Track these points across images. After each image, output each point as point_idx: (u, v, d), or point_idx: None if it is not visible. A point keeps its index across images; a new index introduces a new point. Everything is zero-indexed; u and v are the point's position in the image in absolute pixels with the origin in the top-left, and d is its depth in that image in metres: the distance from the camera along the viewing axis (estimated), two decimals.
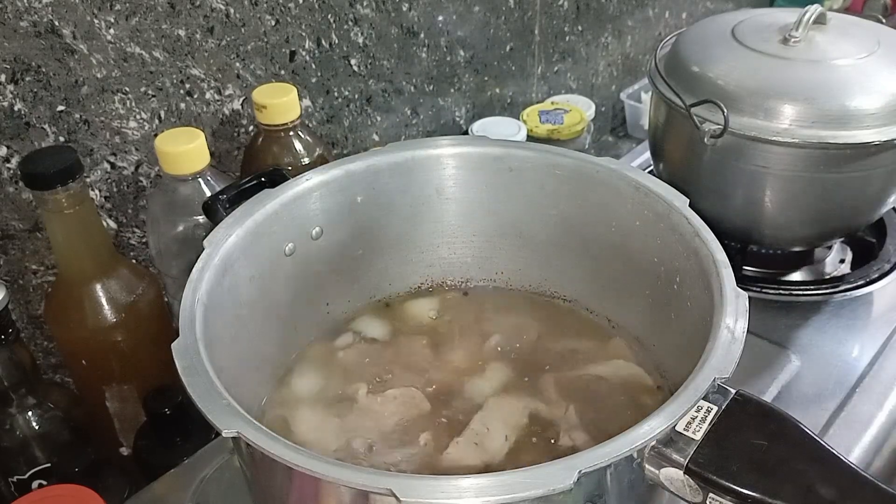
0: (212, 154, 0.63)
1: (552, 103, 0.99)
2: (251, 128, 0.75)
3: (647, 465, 0.39)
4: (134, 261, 0.70)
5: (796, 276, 0.82)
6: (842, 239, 0.84)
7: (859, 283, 0.80)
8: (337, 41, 0.79)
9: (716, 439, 0.39)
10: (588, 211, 0.59)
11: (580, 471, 0.35)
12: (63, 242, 0.59)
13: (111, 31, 0.63)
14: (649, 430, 0.38)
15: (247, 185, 0.57)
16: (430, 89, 0.91)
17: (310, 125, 0.80)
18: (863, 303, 0.78)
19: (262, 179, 0.57)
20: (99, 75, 0.63)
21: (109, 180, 0.67)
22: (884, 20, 0.79)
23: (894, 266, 0.82)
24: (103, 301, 0.60)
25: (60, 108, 0.62)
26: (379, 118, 0.87)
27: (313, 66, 0.78)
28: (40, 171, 0.55)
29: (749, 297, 0.46)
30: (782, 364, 0.70)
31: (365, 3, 0.80)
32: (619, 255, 0.59)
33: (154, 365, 0.61)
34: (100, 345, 0.61)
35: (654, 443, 0.39)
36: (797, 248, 0.82)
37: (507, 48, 0.98)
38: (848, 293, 0.79)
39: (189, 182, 0.62)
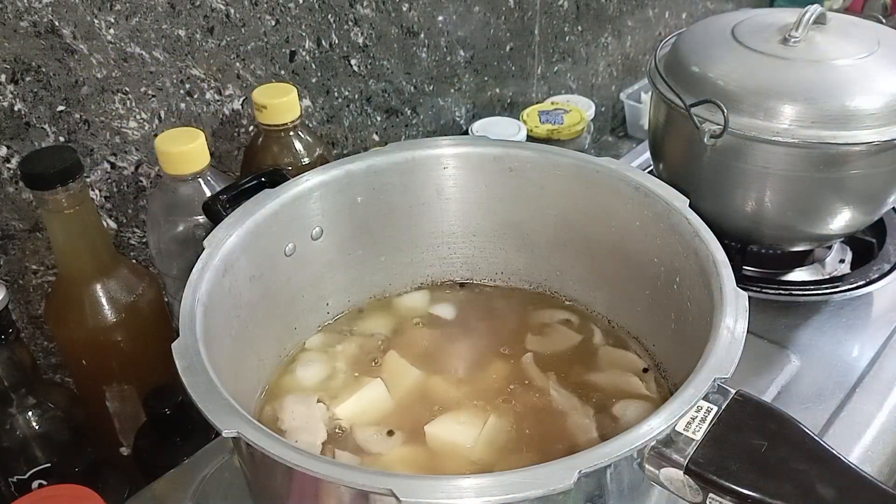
0: (212, 154, 0.63)
1: (552, 103, 0.99)
2: (251, 128, 0.75)
3: (647, 465, 0.39)
4: (134, 261, 0.70)
5: (796, 276, 0.82)
6: (842, 239, 0.84)
7: (859, 283, 0.80)
8: (337, 41, 0.79)
9: (716, 439, 0.39)
10: (588, 211, 0.59)
11: (580, 471, 0.36)
12: (63, 242, 0.59)
13: (111, 31, 0.63)
14: (649, 430, 0.38)
15: (247, 186, 0.57)
16: (430, 89, 0.91)
17: (310, 125, 0.80)
18: (863, 303, 0.78)
19: (262, 179, 0.57)
20: (99, 75, 0.63)
21: (109, 180, 0.67)
22: (884, 20, 0.79)
23: (894, 266, 0.82)
24: (103, 301, 0.60)
25: (60, 108, 0.62)
26: (379, 118, 0.87)
27: (313, 66, 0.78)
28: (40, 171, 0.55)
29: (749, 297, 0.46)
30: (782, 364, 0.70)
31: (365, 3, 0.80)
32: (619, 255, 0.59)
33: (154, 365, 0.61)
34: (100, 345, 0.61)
35: (654, 443, 0.39)
36: (797, 248, 0.82)
37: (507, 48, 0.98)
38: (848, 293, 0.79)
39: (189, 182, 0.62)
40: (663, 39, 0.83)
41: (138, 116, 0.67)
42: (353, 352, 0.60)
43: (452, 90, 0.94)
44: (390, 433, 0.53)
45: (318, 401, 0.55)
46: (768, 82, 0.70)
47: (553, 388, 0.56)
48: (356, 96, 0.83)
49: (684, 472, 0.38)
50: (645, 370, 0.57)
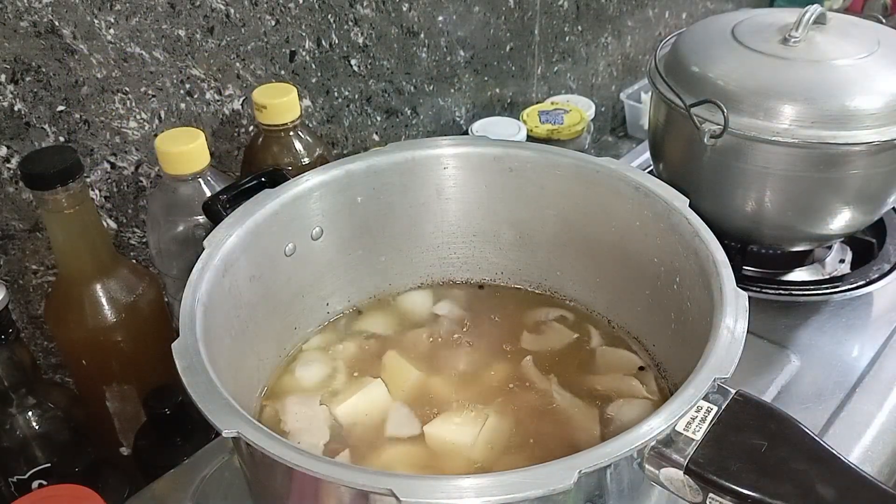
0: (212, 154, 0.63)
1: (552, 103, 0.99)
2: (251, 128, 0.75)
3: (647, 465, 0.40)
4: (134, 261, 0.70)
5: (796, 276, 0.82)
6: (842, 239, 0.84)
7: (859, 283, 0.80)
8: (337, 41, 0.79)
9: (716, 439, 0.39)
10: (588, 211, 0.59)
11: (580, 471, 0.36)
12: (63, 242, 0.59)
13: (111, 31, 0.63)
14: (649, 430, 0.38)
15: (247, 186, 0.57)
16: (430, 89, 0.91)
17: (310, 125, 0.80)
18: (863, 303, 0.78)
19: (262, 179, 0.57)
20: (99, 75, 0.63)
21: (109, 180, 0.67)
22: (884, 20, 0.79)
23: (894, 266, 0.82)
24: (103, 301, 0.60)
25: (60, 108, 0.62)
26: (379, 118, 0.87)
27: (313, 66, 0.78)
28: (40, 171, 0.55)
29: (749, 297, 0.46)
30: (782, 364, 0.70)
31: (365, 3, 0.80)
32: (619, 255, 0.59)
33: (154, 365, 0.61)
34: (100, 345, 0.61)
35: (654, 443, 0.39)
36: (797, 248, 0.82)
37: (507, 48, 0.98)
38: (848, 293, 0.79)
39: (189, 182, 0.62)
40: (663, 39, 0.83)
41: (138, 116, 0.67)
42: (353, 352, 0.60)
43: (452, 90, 0.94)
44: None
45: (321, 402, 0.55)
46: (768, 82, 0.70)
47: (553, 388, 0.56)
48: (356, 96, 0.83)
49: (684, 472, 0.38)
50: (641, 368, 0.57)
